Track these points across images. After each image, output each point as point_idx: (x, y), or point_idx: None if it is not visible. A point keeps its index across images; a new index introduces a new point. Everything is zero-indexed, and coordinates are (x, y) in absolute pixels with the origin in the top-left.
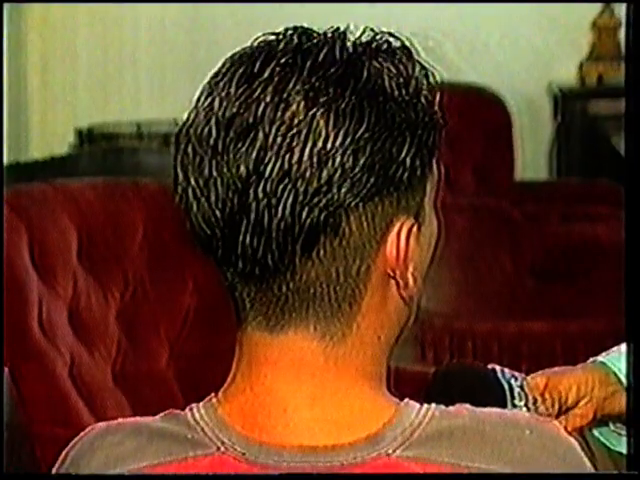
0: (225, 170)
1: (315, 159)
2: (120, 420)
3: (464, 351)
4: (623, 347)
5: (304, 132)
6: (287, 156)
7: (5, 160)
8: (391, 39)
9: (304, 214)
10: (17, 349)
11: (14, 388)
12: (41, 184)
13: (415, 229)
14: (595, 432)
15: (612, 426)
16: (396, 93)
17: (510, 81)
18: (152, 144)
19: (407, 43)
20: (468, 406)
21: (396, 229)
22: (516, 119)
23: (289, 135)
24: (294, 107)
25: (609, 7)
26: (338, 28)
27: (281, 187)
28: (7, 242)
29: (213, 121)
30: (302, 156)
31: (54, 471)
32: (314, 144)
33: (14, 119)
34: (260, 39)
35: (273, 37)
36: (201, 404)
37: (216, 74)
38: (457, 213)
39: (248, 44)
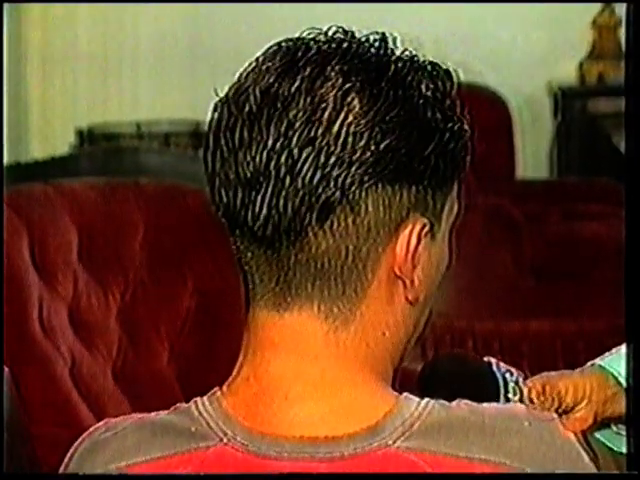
0: (255, 134)
1: (342, 132)
2: (126, 416)
3: (465, 350)
4: (622, 349)
5: (337, 105)
6: (315, 126)
7: (5, 160)
8: (435, 62)
9: (323, 184)
10: (17, 349)
11: (14, 388)
12: (41, 184)
13: (427, 231)
14: (597, 434)
15: (614, 428)
16: (431, 98)
17: (510, 80)
18: (152, 144)
19: (451, 70)
20: (467, 401)
21: (409, 227)
22: (516, 118)
23: (321, 106)
24: (331, 82)
25: (609, 6)
26: (385, 35)
27: (304, 155)
28: (7, 242)
29: (251, 89)
30: (329, 128)
31: (62, 469)
32: (344, 118)
33: (14, 119)
34: (305, 33)
35: (318, 31)
36: (205, 397)
37: (260, 55)
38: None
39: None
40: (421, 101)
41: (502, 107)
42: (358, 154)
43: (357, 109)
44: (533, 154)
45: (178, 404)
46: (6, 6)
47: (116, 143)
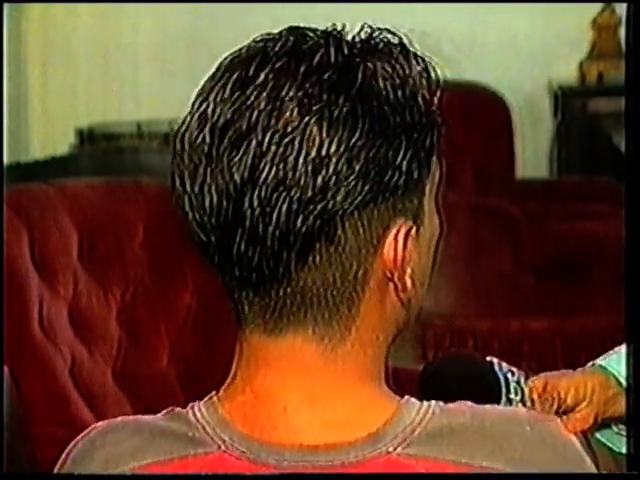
0: (219, 178)
1: (310, 167)
2: (121, 418)
3: (465, 349)
4: (623, 348)
5: (298, 139)
6: (281, 164)
7: (6, 160)
8: (389, 36)
9: (299, 222)
10: (18, 349)
11: (15, 388)
12: (42, 184)
13: (413, 232)
14: (598, 435)
15: (615, 428)
16: (391, 96)
17: (510, 79)
18: (152, 144)
19: (405, 40)
20: (468, 403)
21: (393, 232)
22: (516, 117)
23: (283, 143)
24: (287, 114)
25: (609, 5)
26: (335, 27)
27: (275, 195)
28: (8, 242)
29: (207, 128)
30: (296, 164)
31: (56, 470)
32: (308, 152)
33: (15, 119)
34: (256, 40)
35: (269, 38)
36: (202, 402)
37: (210, 78)
38: (457, 212)
39: (244, 45)
40: (383, 109)
41: (502, 107)
42: (330, 186)
43: (318, 141)
44: (533, 153)
45: (172, 407)
46: (6, 6)
47: (116, 143)
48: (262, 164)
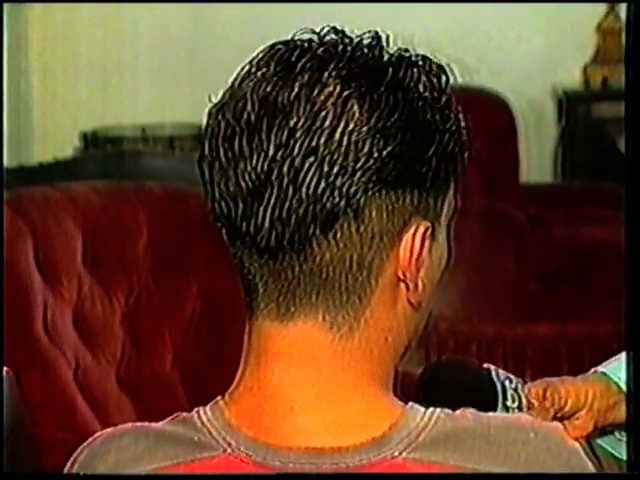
0: (255, 144)
1: (344, 141)
2: (127, 425)
3: (469, 354)
4: (624, 355)
5: (337, 113)
6: (316, 135)
7: (10, 164)
8: (428, 58)
9: (326, 194)
10: (22, 353)
11: (19, 391)
12: (46, 188)
13: (429, 234)
14: (600, 441)
15: (618, 435)
16: (429, 98)
17: (514, 84)
18: (157, 147)
19: (443, 63)
20: (472, 410)
21: (412, 230)
22: (520, 122)
23: (321, 115)
24: (329, 88)
25: (614, 10)
26: (378, 34)
27: (307, 164)
28: (12, 246)
29: (248, 97)
30: (331, 136)
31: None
32: (345, 126)
33: (17, 122)
34: (298, 34)
35: (311, 34)
36: (208, 406)
37: (253, 58)
38: (461, 216)
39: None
40: (420, 103)
41: (506, 111)
42: (361, 162)
43: (357, 116)
44: (537, 158)
45: (179, 413)
46: (7, 7)
47: (120, 147)
48: (298, 133)
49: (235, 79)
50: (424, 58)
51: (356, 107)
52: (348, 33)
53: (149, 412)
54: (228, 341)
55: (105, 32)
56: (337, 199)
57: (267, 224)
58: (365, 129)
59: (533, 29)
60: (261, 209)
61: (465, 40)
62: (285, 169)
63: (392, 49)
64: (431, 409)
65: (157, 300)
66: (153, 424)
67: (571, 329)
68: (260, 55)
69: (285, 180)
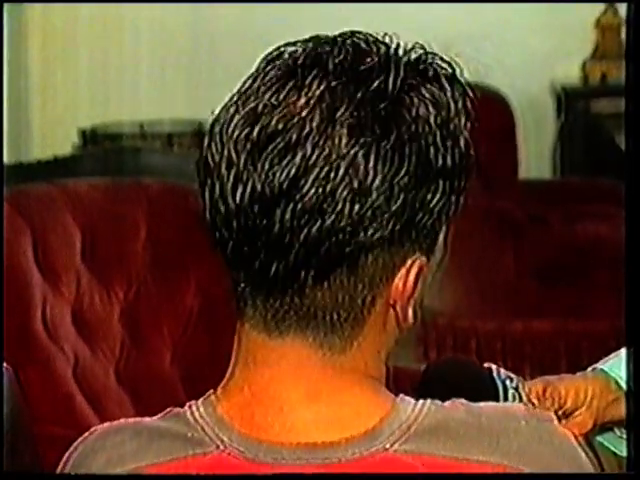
0: (257, 180)
1: (349, 196)
2: (121, 421)
3: (467, 351)
4: (623, 352)
5: (344, 166)
6: (322, 187)
7: (9, 161)
8: (438, 61)
9: (325, 246)
10: (21, 349)
11: (18, 388)
12: (45, 184)
13: (425, 268)
14: (600, 438)
15: (617, 432)
16: (438, 137)
17: (513, 80)
18: (155, 144)
19: (453, 65)
20: (463, 401)
21: (407, 265)
22: (519, 118)
23: (328, 165)
24: (337, 138)
25: (612, 6)
26: (388, 38)
27: (309, 215)
28: (11, 242)
29: (256, 128)
30: (337, 190)
31: (57, 473)
32: (351, 181)
33: (17, 119)
34: (311, 43)
35: (325, 43)
36: (200, 401)
37: (259, 73)
38: (460, 213)
39: (295, 45)
40: (430, 151)
41: (505, 107)
42: (364, 220)
43: (363, 172)
44: (536, 154)
45: (171, 408)
46: (7, 7)
47: (119, 143)
48: (302, 181)
49: (240, 95)
50: (433, 64)
51: (362, 162)
52: (363, 42)
53: (148, 408)
54: (226, 338)
55: (104, 31)
56: (335, 252)
57: (261, 266)
58: (370, 187)
59: (532, 25)
60: (255, 251)
61: (463, 37)
62: (286, 216)
63: (405, 61)
64: (422, 401)
65: (156, 297)
66: (147, 419)
67: (570, 325)
68: (268, 70)
69: (284, 227)
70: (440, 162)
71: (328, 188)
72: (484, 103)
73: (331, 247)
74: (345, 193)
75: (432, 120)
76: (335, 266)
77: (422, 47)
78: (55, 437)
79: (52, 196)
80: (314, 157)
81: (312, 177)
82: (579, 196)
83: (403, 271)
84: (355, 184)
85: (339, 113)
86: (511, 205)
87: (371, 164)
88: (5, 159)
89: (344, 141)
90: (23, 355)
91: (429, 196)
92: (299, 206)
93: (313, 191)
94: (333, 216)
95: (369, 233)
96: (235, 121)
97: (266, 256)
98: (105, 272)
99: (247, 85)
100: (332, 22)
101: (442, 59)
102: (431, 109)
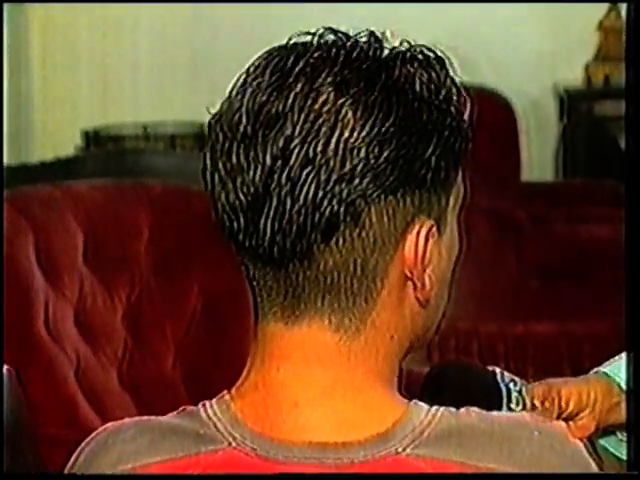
0: (252, 156)
1: (340, 148)
2: (133, 418)
3: (470, 352)
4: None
5: (331, 121)
6: (312, 144)
7: (11, 162)
8: (426, 51)
9: (325, 202)
10: (23, 351)
11: (20, 390)
12: (47, 186)
13: (435, 231)
14: (602, 441)
15: (619, 435)
16: (426, 95)
17: (516, 82)
18: (158, 145)
19: (443, 57)
20: (476, 409)
21: (416, 229)
22: (522, 120)
23: (316, 123)
24: (324, 97)
25: (615, 8)
26: (374, 32)
27: (304, 174)
28: (13, 244)
29: (244, 109)
30: (327, 145)
31: (67, 470)
32: (340, 134)
33: (18, 121)
34: (295, 37)
35: (308, 35)
36: (214, 400)
37: (250, 67)
38: (462, 214)
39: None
40: (416, 103)
41: (508, 109)
42: (358, 169)
43: (352, 123)
44: (539, 156)
45: (185, 407)
46: (7, 7)
47: (122, 145)
48: (294, 144)
49: (232, 89)
50: (423, 52)
51: (350, 114)
52: (346, 33)
53: (150, 410)
54: (229, 339)
55: (105, 31)
56: (336, 207)
57: (268, 236)
58: (360, 136)
59: (535, 27)
60: (261, 221)
61: (466, 38)
62: (283, 180)
63: (390, 46)
64: (435, 407)
65: (158, 298)
66: (159, 417)
67: (572, 327)
68: (256, 63)
69: (283, 191)
70: (430, 116)
71: (319, 145)
72: (487, 105)
73: (331, 202)
74: (336, 146)
75: (418, 82)
76: (339, 222)
77: (409, 42)
78: (57, 439)
79: (54, 197)
80: (302, 119)
81: (302, 137)
82: (581, 198)
83: (413, 235)
84: (345, 136)
85: (322, 76)
86: (513, 206)
87: (358, 114)
88: (8, 160)
89: (330, 98)
90: (25, 357)
91: (422, 146)
92: (293, 168)
93: (304, 151)
94: (328, 171)
95: (365, 182)
96: (227, 111)
97: (272, 224)
98: (107, 273)
99: (236, 79)
100: (332, 22)
101: (431, 49)
102: (417, 74)
